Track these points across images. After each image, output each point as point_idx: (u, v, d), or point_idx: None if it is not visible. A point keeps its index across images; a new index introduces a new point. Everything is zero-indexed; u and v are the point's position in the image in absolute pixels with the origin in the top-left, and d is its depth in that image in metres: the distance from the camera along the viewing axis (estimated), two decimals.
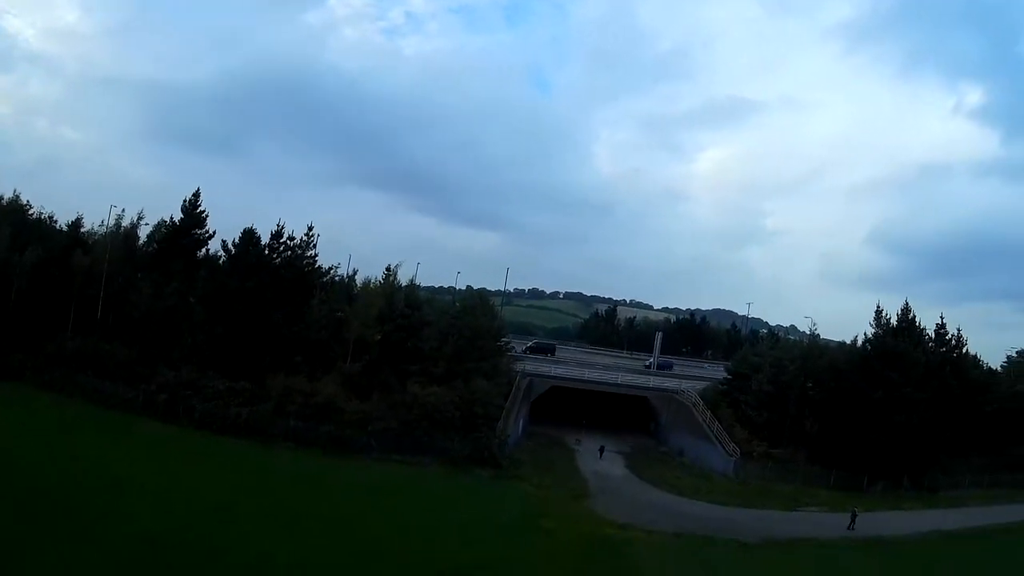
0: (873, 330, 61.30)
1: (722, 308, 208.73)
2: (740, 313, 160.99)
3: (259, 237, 55.49)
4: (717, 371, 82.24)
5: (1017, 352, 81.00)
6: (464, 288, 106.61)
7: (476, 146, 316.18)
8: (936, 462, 57.95)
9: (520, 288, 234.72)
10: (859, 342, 64.15)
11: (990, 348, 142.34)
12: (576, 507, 41.19)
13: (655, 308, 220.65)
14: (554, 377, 68.74)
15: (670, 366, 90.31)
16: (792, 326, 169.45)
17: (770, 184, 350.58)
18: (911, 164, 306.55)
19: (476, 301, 65.38)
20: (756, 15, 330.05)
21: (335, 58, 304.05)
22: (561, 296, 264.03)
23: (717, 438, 57.75)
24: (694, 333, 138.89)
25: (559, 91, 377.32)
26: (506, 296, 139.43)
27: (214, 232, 59.58)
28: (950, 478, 58.25)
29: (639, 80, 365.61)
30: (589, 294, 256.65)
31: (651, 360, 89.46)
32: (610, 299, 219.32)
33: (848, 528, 43.05)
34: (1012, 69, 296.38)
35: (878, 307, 61.67)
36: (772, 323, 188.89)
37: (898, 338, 58.71)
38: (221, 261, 56.96)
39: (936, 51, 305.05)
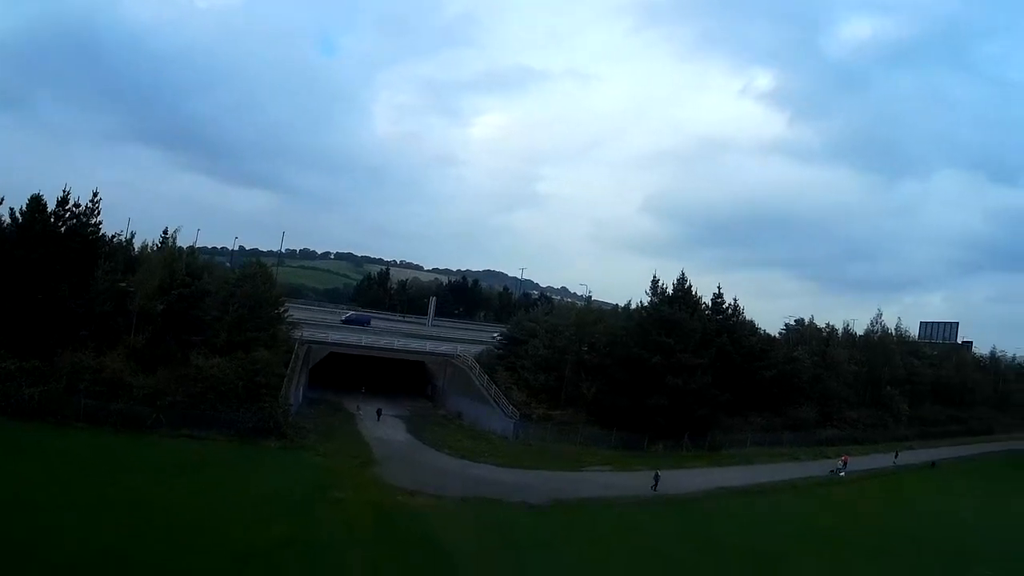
0: (650, 298, 65.66)
1: (493, 270, 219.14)
2: (511, 275, 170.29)
3: (46, 204, 51.65)
4: (484, 333, 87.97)
5: (795, 320, 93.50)
6: (238, 250, 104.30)
7: (258, 107, 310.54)
8: (716, 423, 62.93)
9: (291, 248, 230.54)
10: (633, 307, 69.39)
11: (769, 315, 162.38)
12: (364, 475, 42.52)
13: (425, 269, 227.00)
14: (332, 343, 69.64)
15: (367, 320, 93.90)
16: (563, 288, 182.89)
17: (548, 151, 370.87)
18: (693, 138, 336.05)
19: (255, 269, 65.06)
20: None
21: (127, 8, 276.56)
22: (332, 256, 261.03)
23: (495, 401, 60.65)
24: (467, 295, 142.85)
25: (344, 54, 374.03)
26: (280, 258, 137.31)
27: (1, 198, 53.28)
28: (732, 436, 63.71)
29: (425, 44, 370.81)
30: (360, 255, 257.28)
31: (428, 325, 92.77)
32: (380, 260, 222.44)
33: (652, 489, 45.75)
34: (806, 59, 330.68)
35: (655, 277, 66.16)
36: (544, 285, 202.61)
37: (674, 306, 62.68)
38: (6, 229, 52.20)
39: (729, 37, 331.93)
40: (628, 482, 47.53)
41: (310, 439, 50.12)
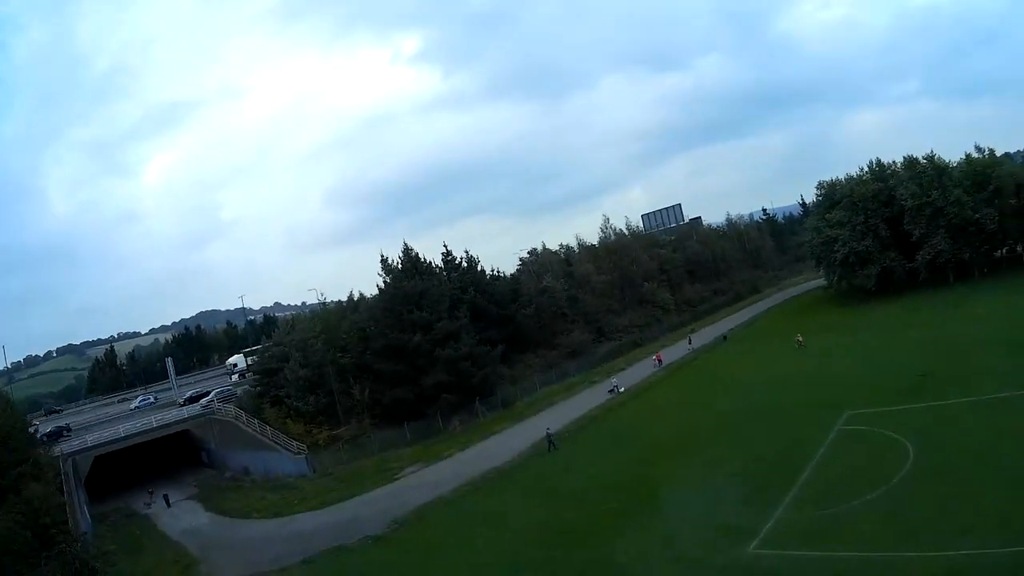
0: (383, 279, 61.64)
1: (208, 310, 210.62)
2: (225, 309, 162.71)
3: None
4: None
5: (528, 252, 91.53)
6: None
7: None
8: (501, 378, 60.92)
9: (16, 361, 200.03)
10: (368, 296, 65.10)
11: (497, 258, 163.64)
12: None
13: (144, 333, 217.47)
14: (94, 447, 57.56)
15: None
16: (276, 303, 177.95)
17: (222, 177, 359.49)
18: (356, 120, 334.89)
19: None
20: (187, 10, 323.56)
21: None
22: (55, 354, 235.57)
23: (275, 442, 54.62)
24: (195, 344, 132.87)
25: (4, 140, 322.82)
26: (8, 376, 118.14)
27: None
28: (522, 386, 61.92)
29: (81, 108, 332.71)
30: (80, 342, 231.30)
31: (174, 390, 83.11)
32: (99, 340, 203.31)
33: (549, 450, 44.73)
34: (448, 9, 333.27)
35: (382, 256, 62.21)
36: (258, 307, 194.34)
37: (413, 280, 59.51)
38: None
39: (367, 11, 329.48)
40: (447, 472, 45.51)
41: (121, 564, 39.95)
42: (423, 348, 56.07)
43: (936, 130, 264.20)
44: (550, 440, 45.82)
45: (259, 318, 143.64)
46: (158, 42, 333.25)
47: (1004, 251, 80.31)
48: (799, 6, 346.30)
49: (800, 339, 61.72)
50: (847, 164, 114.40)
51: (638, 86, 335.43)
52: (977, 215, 73.17)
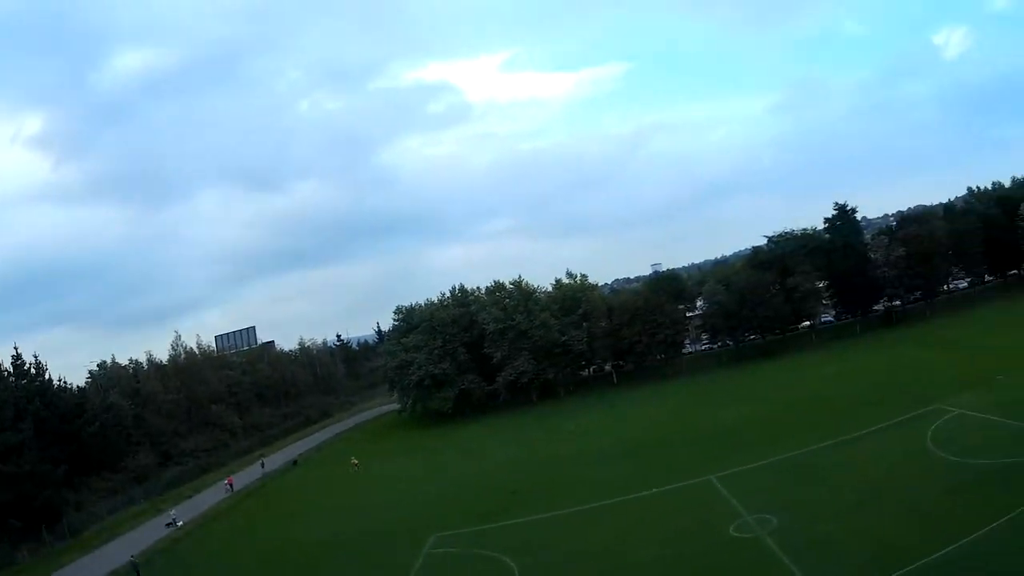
0: None
1: None
2: None
3: None
4: None
5: (98, 366, 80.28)
6: None
7: None
8: (65, 502, 53.24)
9: None
10: None
11: (79, 370, 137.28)
12: None
13: None
14: None
15: None
16: None
17: None
18: None
19: None
20: None
21: None
22: None
23: None
24: None
25: None
26: None
27: None
28: (91, 512, 55.00)
29: None
30: None
31: None
32: None
33: None
34: (73, 96, 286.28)
35: None
36: None
37: None
38: None
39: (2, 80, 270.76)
40: None
41: None
42: None
43: (527, 263, 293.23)
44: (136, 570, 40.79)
45: None
46: None
47: (591, 370, 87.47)
48: (405, 140, 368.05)
49: (355, 462, 62.19)
50: (430, 293, 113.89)
51: (235, 204, 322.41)
52: (564, 337, 78.98)
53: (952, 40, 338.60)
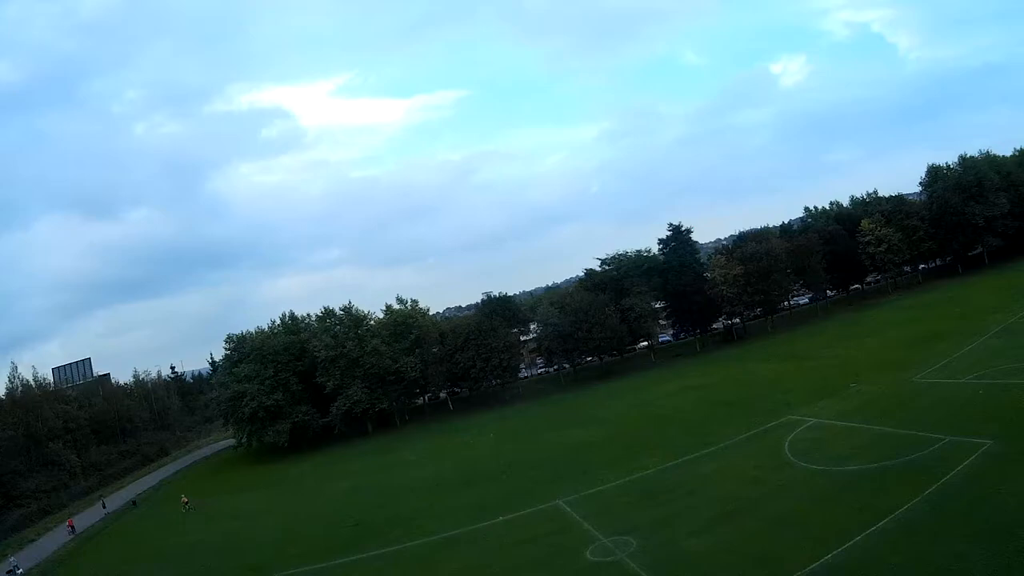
0: None
1: None
2: None
3: None
4: None
5: None
6: None
7: None
8: None
9: None
10: None
11: None
12: None
13: None
14: None
15: None
16: None
17: None
18: None
19: None
20: None
21: None
22: None
23: None
24: None
25: None
26: None
27: None
28: None
29: None
30: None
31: None
32: None
33: None
34: None
35: None
36: None
37: None
38: None
39: None
40: None
41: None
42: None
43: (360, 292, 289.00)
44: None
45: None
46: None
47: (427, 397, 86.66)
48: (239, 167, 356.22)
49: (185, 500, 63.16)
50: (264, 322, 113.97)
51: (73, 231, 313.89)
52: (397, 364, 77.99)
53: (790, 68, 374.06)
